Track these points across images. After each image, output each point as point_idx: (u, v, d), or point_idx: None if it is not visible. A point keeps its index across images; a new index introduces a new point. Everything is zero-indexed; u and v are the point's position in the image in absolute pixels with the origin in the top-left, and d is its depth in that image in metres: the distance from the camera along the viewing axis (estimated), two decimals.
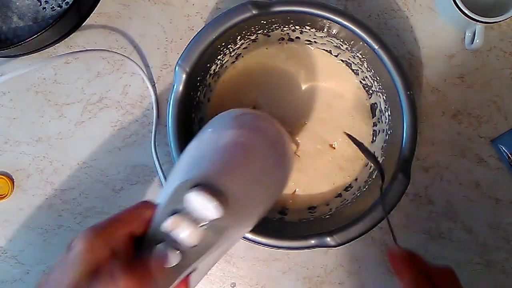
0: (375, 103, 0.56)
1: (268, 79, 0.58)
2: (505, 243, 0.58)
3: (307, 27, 0.53)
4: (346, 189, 0.57)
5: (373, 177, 0.54)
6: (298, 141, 0.57)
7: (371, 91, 0.56)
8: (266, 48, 0.57)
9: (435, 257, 0.58)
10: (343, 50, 0.55)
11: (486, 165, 0.58)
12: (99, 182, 0.60)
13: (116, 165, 0.60)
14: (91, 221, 0.60)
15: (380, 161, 0.54)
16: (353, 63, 0.56)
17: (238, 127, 0.42)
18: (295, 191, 0.58)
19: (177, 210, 0.34)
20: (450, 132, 0.58)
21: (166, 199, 0.35)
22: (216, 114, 0.45)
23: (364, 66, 0.54)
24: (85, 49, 0.60)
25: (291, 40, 0.56)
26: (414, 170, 0.54)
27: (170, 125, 0.51)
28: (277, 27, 0.53)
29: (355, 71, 0.57)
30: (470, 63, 0.58)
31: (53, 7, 0.59)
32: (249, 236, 0.50)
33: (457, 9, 0.52)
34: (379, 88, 0.54)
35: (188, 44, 0.50)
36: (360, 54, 0.53)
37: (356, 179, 0.57)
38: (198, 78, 0.53)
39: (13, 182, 0.61)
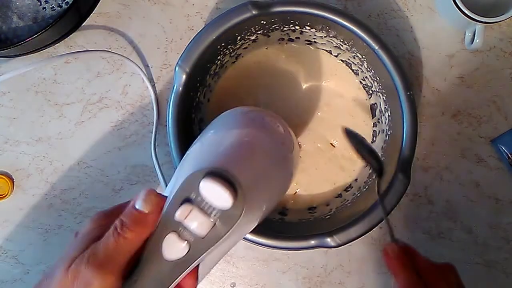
0: (375, 103, 0.56)
1: (268, 79, 0.58)
2: (505, 243, 0.58)
3: (307, 27, 0.53)
4: (346, 189, 0.57)
5: (373, 177, 0.54)
6: (299, 142, 0.57)
7: (371, 91, 0.56)
8: (266, 48, 0.57)
9: (435, 257, 0.58)
10: (343, 50, 0.55)
11: (486, 165, 0.58)
12: (99, 182, 0.60)
13: (116, 165, 0.60)
14: None
15: (382, 160, 0.54)
16: (353, 63, 0.56)
17: (249, 122, 0.42)
18: (296, 191, 0.58)
19: (188, 199, 0.34)
20: (450, 132, 0.58)
21: (177, 188, 0.34)
22: (216, 115, 0.45)
23: (364, 66, 0.54)
24: (84, 49, 0.60)
25: (291, 40, 0.56)
26: (414, 170, 0.54)
27: (170, 125, 0.51)
28: (277, 27, 0.53)
29: (355, 71, 0.57)
30: (470, 63, 0.58)
31: (53, 7, 0.59)
32: (249, 236, 0.50)
33: (457, 9, 0.52)
34: (379, 88, 0.54)
35: (188, 44, 0.50)
36: (360, 54, 0.53)
37: (356, 179, 0.57)
38: (198, 79, 0.53)
39: (13, 182, 0.61)
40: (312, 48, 0.57)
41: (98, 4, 0.59)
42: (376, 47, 0.50)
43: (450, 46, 0.58)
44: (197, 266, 0.36)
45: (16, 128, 0.61)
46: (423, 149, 0.58)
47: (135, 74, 0.60)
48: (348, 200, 0.55)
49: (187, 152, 0.39)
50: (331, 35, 0.53)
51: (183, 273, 0.34)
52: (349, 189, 0.57)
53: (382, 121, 0.55)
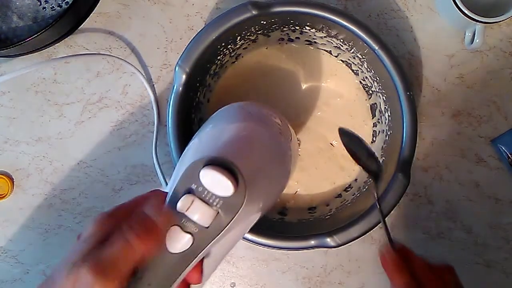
0: (375, 103, 0.56)
1: (268, 79, 0.58)
2: (505, 243, 0.58)
3: (307, 28, 0.53)
4: (346, 189, 0.57)
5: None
6: (299, 140, 0.57)
7: (371, 92, 0.56)
8: (266, 48, 0.57)
9: (435, 257, 0.58)
10: (343, 50, 0.55)
11: (486, 165, 0.58)
12: (99, 182, 0.60)
13: (116, 165, 0.60)
14: None
15: (380, 162, 0.54)
16: (353, 63, 0.56)
17: (246, 114, 0.43)
18: (297, 191, 0.58)
19: (190, 190, 0.34)
20: (450, 132, 0.58)
21: (178, 180, 0.34)
22: None
23: (364, 67, 0.54)
24: (86, 50, 0.60)
25: (291, 40, 0.56)
26: (414, 170, 0.54)
27: (169, 125, 0.51)
28: (277, 28, 0.53)
29: (355, 71, 0.57)
30: (470, 63, 0.58)
31: (53, 7, 0.59)
32: (249, 236, 0.50)
33: (457, 9, 0.52)
34: (379, 89, 0.54)
35: (188, 44, 0.50)
36: (360, 54, 0.53)
37: (356, 180, 0.57)
38: (198, 79, 0.53)
39: (12, 182, 0.61)
40: (312, 48, 0.57)
41: (98, 4, 0.59)
42: (376, 47, 0.50)
43: (450, 46, 0.58)
44: (202, 260, 0.35)
45: (16, 128, 0.61)
46: (423, 149, 0.58)
47: (135, 74, 0.60)
48: (347, 200, 0.55)
49: (186, 148, 0.39)
50: (331, 35, 0.53)
51: (189, 266, 0.34)
52: (349, 189, 0.57)
53: (382, 121, 0.55)
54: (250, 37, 0.54)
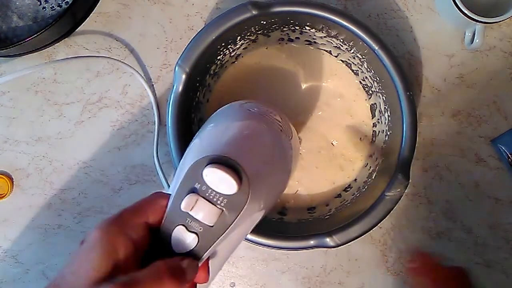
0: (375, 103, 0.56)
1: (268, 79, 0.58)
2: (505, 243, 0.58)
3: (307, 28, 0.53)
4: (345, 189, 0.57)
5: (373, 177, 0.54)
6: (300, 137, 0.57)
7: (371, 92, 0.56)
8: (266, 48, 0.57)
9: (434, 257, 0.58)
10: (343, 50, 0.55)
11: (486, 165, 0.58)
12: (98, 182, 0.60)
13: (116, 165, 0.60)
14: (90, 221, 0.60)
15: (380, 162, 0.54)
16: (353, 63, 0.56)
17: (246, 112, 0.43)
18: (297, 190, 0.58)
19: (193, 189, 0.34)
20: (449, 132, 0.58)
21: (181, 180, 0.34)
22: None
23: (364, 67, 0.54)
24: (84, 52, 0.60)
25: (291, 40, 0.56)
26: (414, 170, 0.54)
27: (169, 125, 0.51)
28: (277, 28, 0.53)
29: (355, 71, 0.57)
30: (470, 63, 0.58)
31: (53, 6, 0.59)
32: (249, 236, 0.50)
33: (456, 9, 0.52)
34: (379, 89, 0.53)
35: (188, 44, 0.50)
36: (360, 54, 0.53)
37: (355, 180, 0.57)
38: (198, 78, 0.53)
39: (12, 182, 0.61)
40: (312, 48, 0.57)
41: (98, 4, 0.59)
42: (376, 47, 0.50)
43: (450, 46, 0.58)
44: (208, 259, 0.35)
45: (16, 127, 0.61)
46: (422, 149, 0.58)
47: (134, 74, 0.60)
48: (347, 200, 0.55)
49: (187, 149, 0.39)
50: (331, 35, 0.53)
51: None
52: (349, 189, 0.57)
53: (381, 122, 0.55)
54: (250, 37, 0.54)
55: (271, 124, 0.42)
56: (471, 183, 0.58)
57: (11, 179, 0.61)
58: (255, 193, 0.34)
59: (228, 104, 0.45)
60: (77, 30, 0.59)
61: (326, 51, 0.57)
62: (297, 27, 0.53)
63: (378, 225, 0.49)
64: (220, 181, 0.33)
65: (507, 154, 0.57)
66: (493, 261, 0.58)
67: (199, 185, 0.33)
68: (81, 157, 0.60)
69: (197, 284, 0.36)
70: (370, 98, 0.57)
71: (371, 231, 0.49)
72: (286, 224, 0.55)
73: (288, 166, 0.44)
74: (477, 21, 0.52)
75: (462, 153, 0.58)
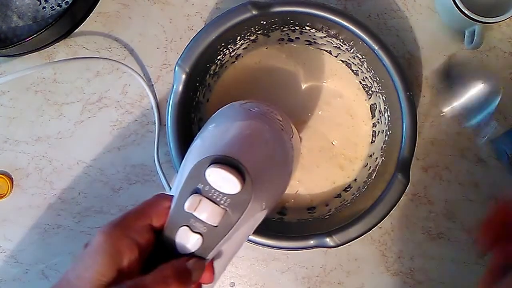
0: (375, 103, 0.56)
1: (268, 79, 0.58)
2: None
3: (307, 28, 0.53)
4: (345, 189, 0.57)
5: (373, 177, 0.54)
6: (300, 136, 0.57)
7: (370, 92, 0.56)
8: (266, 48, 0.57)
9: (434, 257, 0.59)
10: (343, 50, 0.55)
11: (486, 165, 0.58)
12: (98, 182, 0.60)
13: (115, 165, 0.60)
14: (90, 221, 0.60)
15: (380, 162, 0.54)
16: (353, 63, 0.56)
17: (246, 112, 0.43)
18: (297, 190, 0.58)
19: (196, 190, 0.34)
20: (449, 132, 0.58)
21: (183, 181, 0.34)
22: None
23: (364, 67, 0.54)
24: (84, 51, 0.60)
25: (290, 40, 0.56)
26: (414, 170, 0.54)
27: (169, 125, 0.51)
28: (276, 28, 0.53)
29: (355, 71, 0.57)
30: (470, 63, 0.58)
31: (53, 6, 0.59)
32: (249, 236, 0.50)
33: (456, 9, 0.52)
34: (379, 89, 0.54)
35: (187, 44, 0.50)
36: (360, 54, 0.53)
37: (355, 180, 0.57)
38: (198, 78, 0.53)
39: (12, 182, 0.61)
40: (312, 48, 0.57)
41: (98, 3, 0.59)
42: (376, 48, 0.50)
43: (449, 46, 0.58)
44: (212, 260, 0.36)
45: (16, 127, 0.61)
46: (422, 149, 0.58)
47: (134, 75, 0.60)
48: (347, 200, 0.55)
49: (189, 150, 0.39)
50: (331, 35, 0.53)
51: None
52: (349, 189, 0.57)
53: (381, 122, 0.55)
54: (250, 37, 0.54)
55: (272, 123, 0.42)
56: (471, 183, 0.58)
57: (11, 179, 0.61)
58: (257, 192, 0.34)
59: (228, 105, 0.45)
60: (77, 30, 0.59)
61: (326, 51, 0.57)
62: (297, 27, 0.53)
63: (378, 225, 0.49)
64: (223, 181, 0.33)
65: (507, 154, 0.57)
66: None
67: (202, 185, 0.33)
68: (81, 157, 0.60)
69: (202, 285, 0.36)
70: (370, 98, 0.57)
71: (371, 231, 0.49)
72: (286, 224, 0.55)
73: (290, 164, 0.44)
74: (477, 21, 0.52)
75: (461, 153, 0.58)
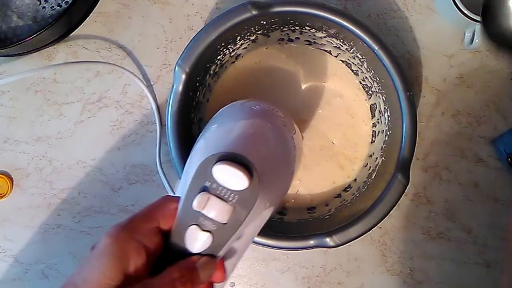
0: (375, 103, 0.56)
1: (268, 79, 0.58)
2: (505, 243, 0.58)
3: (307, 28, 0.53)
4: (345, 189, 0.57)
5: (373, 177, 0.54)
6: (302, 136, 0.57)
7: (370, 92, 0.56)
8: (266, 48, 0.57)
9: (434, 257, 0.59)
10: (343, 50, 0.55)
11: (485, 165, 0.58)
12: (98, 182, 0.60)
13: (115, 165, 0.60)
14: (90, 221, 0.60)
15: (380, 162, 0.54)
16: (353, 63, 0.56)
17: (249, 109, 0.43)
18: (298, 190, 0.58)
19: (204, 188, 0.34)
20: (449, 132, 0.58)
21: (190, 180, 0.34)
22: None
23: (364, 67, 0.54)
24: (83, 51, 0.60)
25: (290, 40, 0.56)
26: (413, 170, 0.54)
27: (169, 125, 0.51)
28: (276, 28, 0.53)
29: (355, 71, 0.57)
30: (470, 63, 0.58)
31: (53, 6, 0.59)
32: None
33: (456, 9, 0.52)
34: (379, 89, 0.54)
35: (187, 44, 0.50)
36: (360, 54, 0.53)
37: (355, 180, 0.57)
38: (198, 78, 0.53)
39: (12, 181, 0.61)
40: (312, 48, 0.57)
41: (98, 3, 0.59)
42: (376, 48, 0.49)
43: (449, 46, 0.58)
44: (223, 258, 0.35)
45: (16, 127, 0.61)
46: (422, 149, 0.58)
47: (133, 78, 0.60)
48: (347, 200, 0.55)
49: (192, 151, 0.39)
50: (331, 35, 0.53)
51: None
52: (349, 189, 0.57)
53: (381, 122, 0.55)
54: (250, 37, 0.54)
55: (274, 120, 0.42)
56: (471, 183, 0.58)
57: (11, 178, 0.61)
58: (264, 189, 0.34)
59: (229, 104, 0.45)
60: (77, 30, 0.59)
61: (326, 51, 0.57)
62: (297, 27, 0.53)
63: (378, 225, 0.49)
64: (230, 177, 0.33)
65: (507, 154, 0.57)
66: (493, 261, 0.58)
67: (209, 183, 0.33)
68: (81, 157, 0.60)
69: (214, 284, 0.36)
70: (370, 98, 0.57)
71: (371, 231, 0.49)
72: (286, 224, 0.55)
73: (292, 159, 0.44)
74: (477, 21, 0.52)
75: (461, 153, 0.58)
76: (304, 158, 0.57)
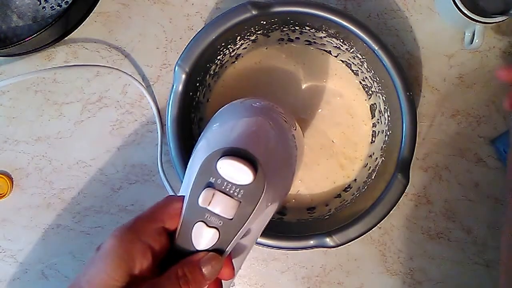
0: (375, 103, 0.56)
1: (268, 79, 0.58)
2: None
3: (307, 28, 0.53)
4: (345, 189, 0.57)
5: (372, 177, 0.54)
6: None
7: (370, 92, 0.56)
8: (266, 49, 0.57)
9: (434, 257, 0.59)
10: (343, 50, 0.55)
11: (485, 165, 0.58)
12: (98, 181, 0.60)
13: (115, 165, 0.60)
14: (89, 220, 0.60)
15: (379, 162, 0.54)
16: (353, 63, 0.56)
17: (250, 107, 0.43)
18: (298, 190, 0.58)
19: (209, 184, 0.33)
20: (449, 132, 0.58)
21: (194, 176, 0.34)
22: None
23: (364, 67, 0.54)
24: (83, 51, 0.60)
25: (290, 40, 0.56)
26: (413, 170, 0.54)
27: (169, 125, 0.51)
28: (276, 28, 0.53)
29: (355, 71, 0.57)
30: (469, 63, 0.58)
31: (53, 6, 0.59)
32: None
33: (456, 9, 0.52)
34: (379, 89, 0.54)
35: (187, 44, 0.50)
36: (360, 54, 0.53)
37: (355, 180, 0.57)
38: (198, 78, 0.53)
39: (12, 181, 0.61)
40: (312, 48, 0.57)
41: (98, 3, 0.59)
42: (376, 48, 0.50)
43: (449, 46, 0.58)
44: (230, 254, 0.35)
45: (16, 127, 0.61)
46: (422, 149, 0.58)
47: (134, 74, 0.60)
48: (347, 201, 0.55)
49: (194, 150, 0.39)
50: (331, 35, 0.53)
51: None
52: (348, 189, 0.57)
53: (381, 122, 0.55)
54: (250, 37, 0.54)
55: (275, 115, 0.42)
56: (471, 183, 0.58)
57: (10, 178, 0.61)
58: (268, 183, 0.34)
59: (229, 103, 0.45)
60: (77, 29, 0.59)
61: (326, 51, 0.57)
62: (297, 27, 0.53)
63: (378, 225, 0.49)
64: (235, 172, 0.33)
65: (507, 154, 0.57)
66: (493, 261, 0.58)
67: (214, 179, 0.33)
68: (80, 156, 0.60)
69: (223, 281, 0.36)
70: (370, 98, 0.57)
71: (371, 231, 0.49)
72: (286, 224, 0.55)
73: (294, 155, 0.44)
74: (476, 21, 0.52)
75: (461, 153, 0.58)
76: (305, 157, 0.57)
